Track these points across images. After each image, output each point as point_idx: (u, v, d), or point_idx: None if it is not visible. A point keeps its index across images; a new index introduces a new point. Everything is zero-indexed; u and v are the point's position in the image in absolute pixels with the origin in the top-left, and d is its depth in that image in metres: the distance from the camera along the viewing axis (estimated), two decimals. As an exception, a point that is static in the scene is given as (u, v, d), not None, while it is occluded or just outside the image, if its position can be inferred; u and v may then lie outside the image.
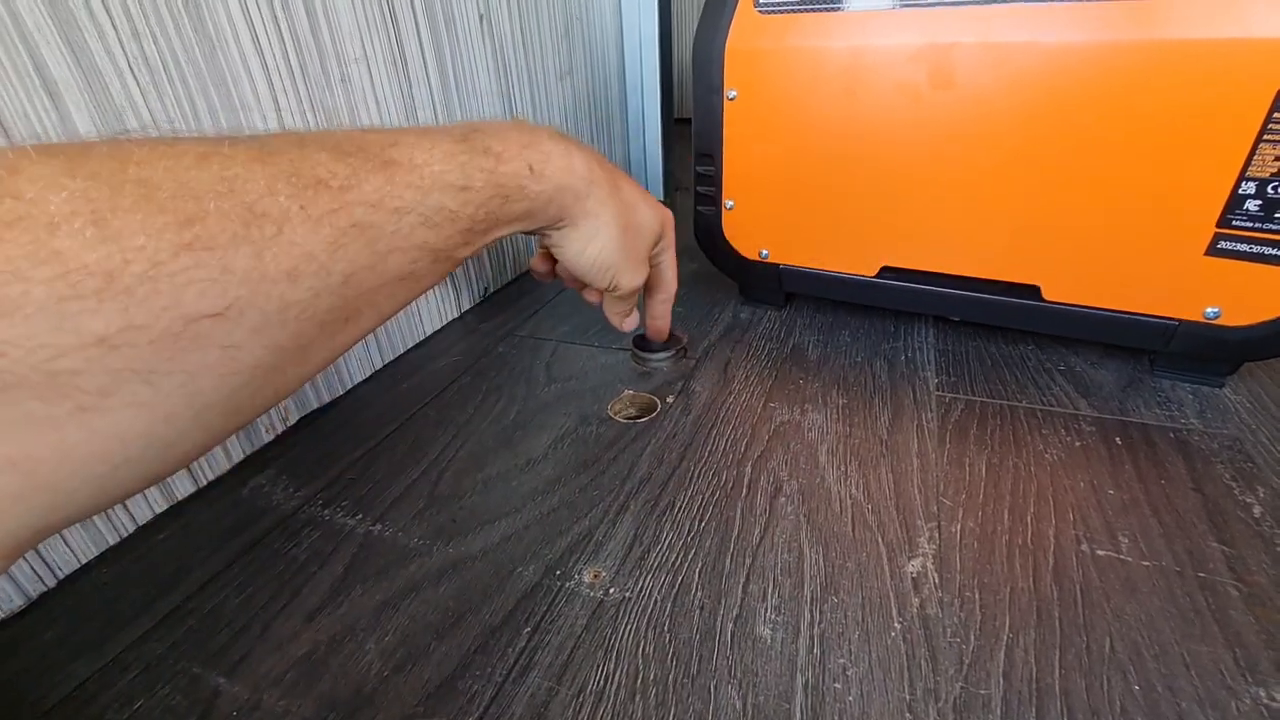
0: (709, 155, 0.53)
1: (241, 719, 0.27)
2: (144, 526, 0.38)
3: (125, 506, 0.37)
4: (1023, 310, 0.48)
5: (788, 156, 0.50)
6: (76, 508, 0.18)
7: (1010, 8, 0.40)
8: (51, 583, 0.34)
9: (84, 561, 0.35)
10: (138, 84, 0.34)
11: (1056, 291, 0.46)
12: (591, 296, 0.45)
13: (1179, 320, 0.43)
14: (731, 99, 0.49)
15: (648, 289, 0.45)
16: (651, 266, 0.42)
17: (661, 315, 0.47)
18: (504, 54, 0.63)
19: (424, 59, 0.53)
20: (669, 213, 0.41)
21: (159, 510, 0.38)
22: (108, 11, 0.32)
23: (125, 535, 0.37)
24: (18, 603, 0.33)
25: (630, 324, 0.45)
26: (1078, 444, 0.42)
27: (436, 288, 0.59)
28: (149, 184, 0.17)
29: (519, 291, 0.68)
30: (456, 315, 0.62)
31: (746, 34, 0.47)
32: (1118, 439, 0.42)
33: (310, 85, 0.43)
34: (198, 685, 0.29)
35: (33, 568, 0.33)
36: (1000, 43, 0.41)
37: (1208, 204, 0.39)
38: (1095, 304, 0.45)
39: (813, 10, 0.45)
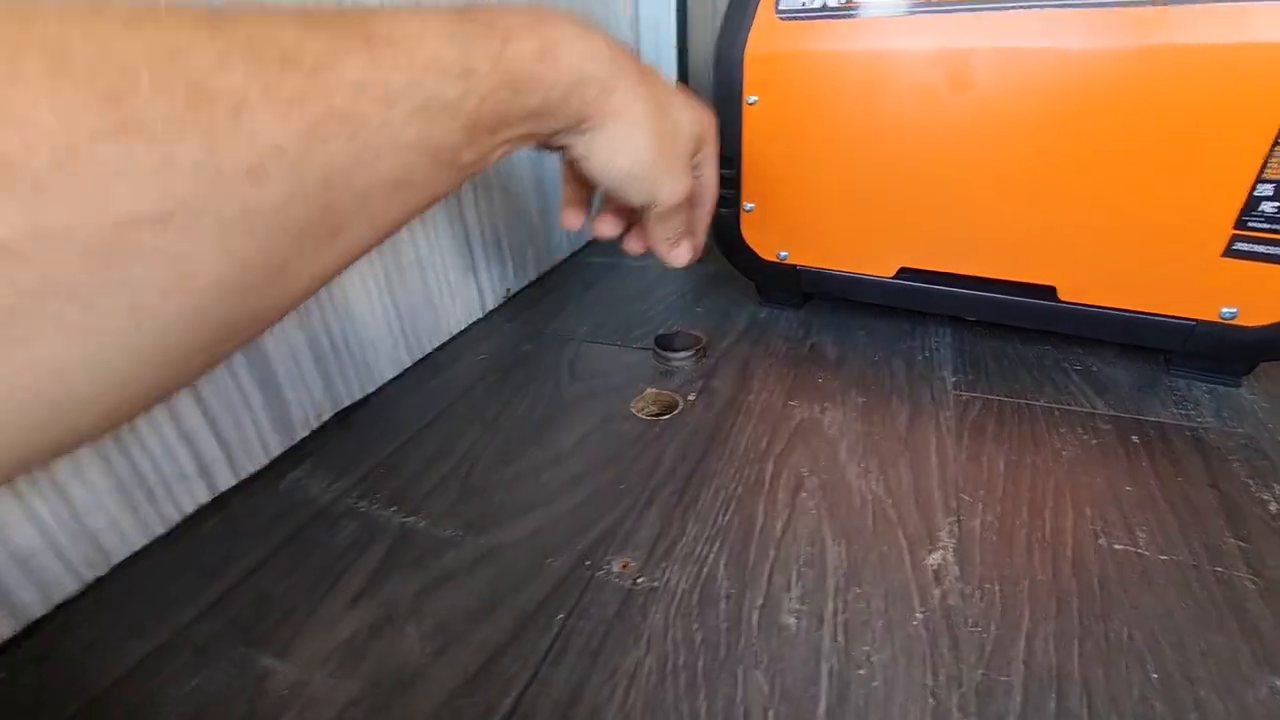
0: (728, 158, 0.54)
1: (293, 696, 0.29)
2: (189, 517, 0.39)
3: (172, 497, 0.38)
4: (1039, 310, 0.48)
5: (806, 159, 0.51)
6: (14, 455, 0.16)
7: (1027, 13, 0.41)
8: (104, 569, 0.35)
9: (134, 550, 0.37)
10: None
11: (1073, 292, 0.47)
12: (634, 246, 0.39)
13: (1196, 320, 0.44)
14: (751, 104, 0.50)
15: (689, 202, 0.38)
16: (694, 170, 0.36)
17: (699, 231, 0.40)
18: (527, 60, 0.64)
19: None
20: (710, 114, 0.36)
21: (203, 501, 0.40)
22: None
23: (172, 525, 0.38)
24: (74, 588, 0.34)
25: (680, 256, 0.38)
26: (1094, 442, 0.43)
27: (461, 289, 0.60)
28: (60, 52, 0.14)
29: (541, 291, 0.69)
30: (481, 315, 0.63)
31: (766, 40, 0.48)
32: (1134, 437, 0.43)
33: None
34: (249, 665, 0.30)
35: (86, 554, 0.35)
36: (1018, 48, 0.41)
37: (1224, 206, 0.40)
38: (1112, 304, 0.46)
39: (832, 17, 0.46)
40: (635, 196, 0.32)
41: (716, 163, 0.37)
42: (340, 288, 0.46)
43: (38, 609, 0.33)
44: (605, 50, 0.26)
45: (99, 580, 0.35)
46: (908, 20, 0.44)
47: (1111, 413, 0.45)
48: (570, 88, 0.26)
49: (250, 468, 0.43)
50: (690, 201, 0.37)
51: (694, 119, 0.33)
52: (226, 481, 0.41)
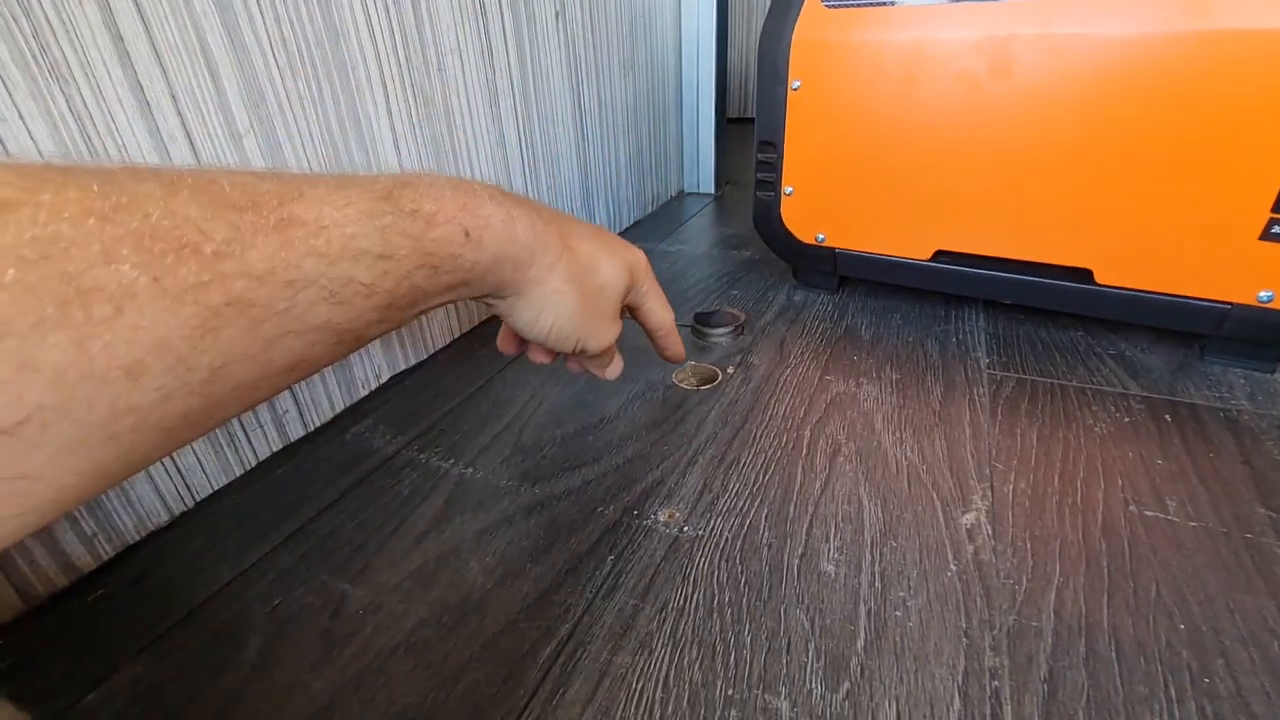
0: (771, 143, 0.56)
1: (368, 616, 0.31)
2: (264, 462, 0.42)
3: (250, 443, 0.41)
4: (1075, 293, 0.49)
5: (848, 144, 0.52)
6: None
7: (1068, 1, 0.42)
8: (190, 504, 0.38)
9: (216, 488, 0.40)
10: (276, 65, 0.39)
11: (1109, 275, 0.48)
12: (572, 365, 0.41)
13: (1231, 304, 0.45)
14: (795, 89, 0.52)
15: (644, 330, 0.41)
16: (636, 308, 0.39)
17: (668, 346, 0.41)
18: (575, 48, 0.67)
19: (507, 51, 0.57)
20: (640, 256, 0.37)
21: (275, 449, 0.43)
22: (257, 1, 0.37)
23: (250, 468, 0.41)
24: (164, 518, 0.37)
25: (613, 373, 0.40)
26: (1127, 420, 0.44)
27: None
28: None
29: (580, 274, 0.72)
30: (525, 292, 0.66)
31: (813, 27, 0.50)
32: (1167, 416, 0.44)
33: (414, 72, 0.48)
34: (327, 589, 0.33)
35: (176, 489, 0.38)
36: (1057, 34, 0.43)
37: (1263, 189, 0.41)
38: (1147, 287, 0.47)
39: (877, 4, 0.48)
40: (562, 349, 0.33)
41: (659, 292, 0.39)
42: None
43: (133, 535, 0.36)
44: (526, 228, 0.28)
45: (186, 513, 0.38)
46: (949, 9, 0.45)
47: (1144, 394, 0.46)
48: (490, 266, 0.26)
49: (318, 421, 0.46)
50: (645, 328, 0.40)
51: (620, 271, 0.34)
52: (296, 432, 0.44)
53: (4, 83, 0.28)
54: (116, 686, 0.28)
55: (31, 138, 0.29)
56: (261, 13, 0.37)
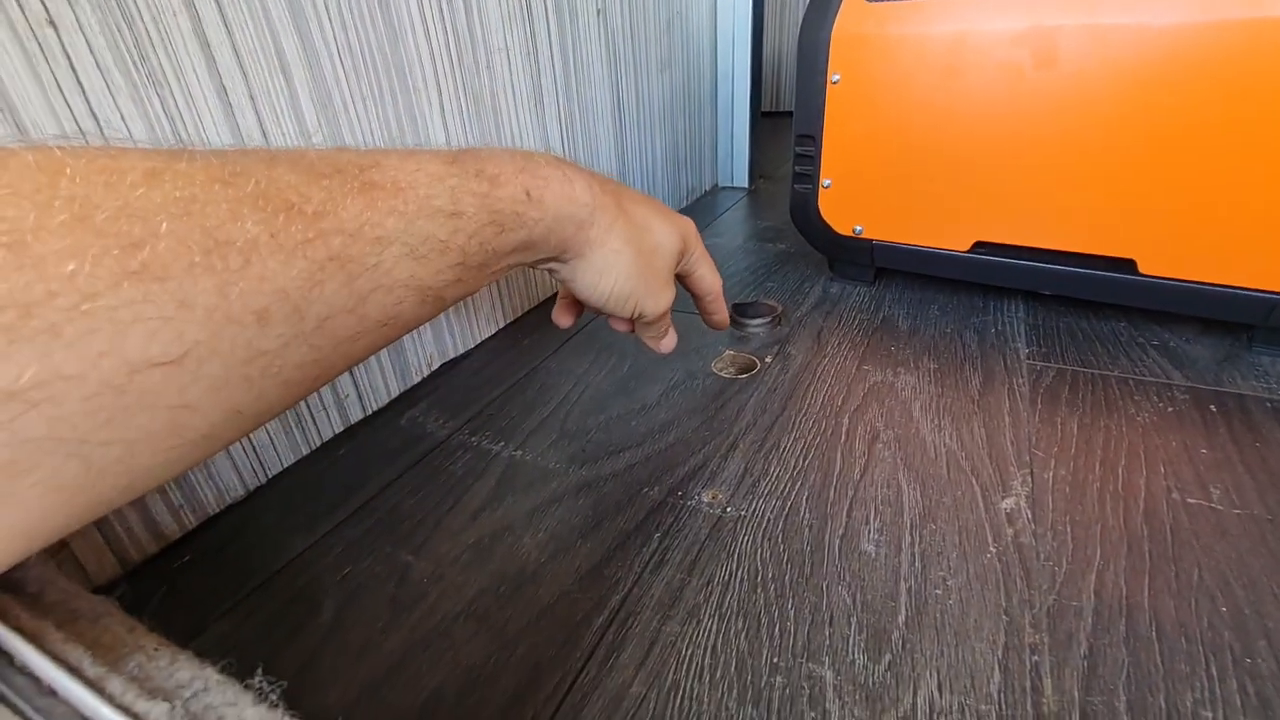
0: (809, 136, 0.56)
1: (431, 585, 0.33)
2: (327, 442, 0.45)
3: (315, 424, 0.44)
4: (1118, 284, 0.49)
5: (887, 136, 0.53)
6: None
7: (1116, -9, 0.42)
8: (264, 479, 0.41)
9: (286, 465, 0.42)
10: (342, 66, 0.41)
11: (1153, 265, 0.47)
12: (619, 325, 0.42)
13: (1280, 294, 0.44)
14: (835, 83, 0.53)
15: (693, 295, 0.43)
16: (687, 275, 0.41)
17: (716, 311, 0.45)
18: (615, 45, 0.68)
19: (551, 49, 0.59)
20: (689, 223, 0.39)
21: (338, 430, 0.46)
22: (325, 6, 0.39)
23: (315, 447, 0.44)
24: (240, 492, 0.40)
25: (668, 346, 0.43)
26: (1170, 410, 0.44)
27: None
28: (85, 202, 0.14)
29: (618, 266, 0.73)
30: (565, 284, 0.68)
31: (853, 21, 0.50)
32: (1212, 406, 0.44)
33: (464, 71, 0.50)
34: (392, 560, 0.35)
35: (251, 466, 0.40)
36: (1101, 24, 0.43)
37: (1314, 178, 0.40)
38: (1193, 277, 0.46)
39: (918, -2, 0.48)
40: (621, 313, 0.36)
41: (709, 259, 0.41)
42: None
43: (214, 507, 0.39)
44: (584, 189, 0.30)
45: (259, 488, 0.41)
46: (992, 0, 0.46)
47: (1189, 384, 0.46)
48: (551, 226, 0.28)
49: (375, 405, 0.48)
50: (694, 294, 0.43)
51: (672, 234, 0.36)
52: (356, 415, 0.47)
53: (109, 88, 0.30)
54: (207, 643, 0.31)
55: (131, 137, 0.31)
56: (330, 17, 0.39)
